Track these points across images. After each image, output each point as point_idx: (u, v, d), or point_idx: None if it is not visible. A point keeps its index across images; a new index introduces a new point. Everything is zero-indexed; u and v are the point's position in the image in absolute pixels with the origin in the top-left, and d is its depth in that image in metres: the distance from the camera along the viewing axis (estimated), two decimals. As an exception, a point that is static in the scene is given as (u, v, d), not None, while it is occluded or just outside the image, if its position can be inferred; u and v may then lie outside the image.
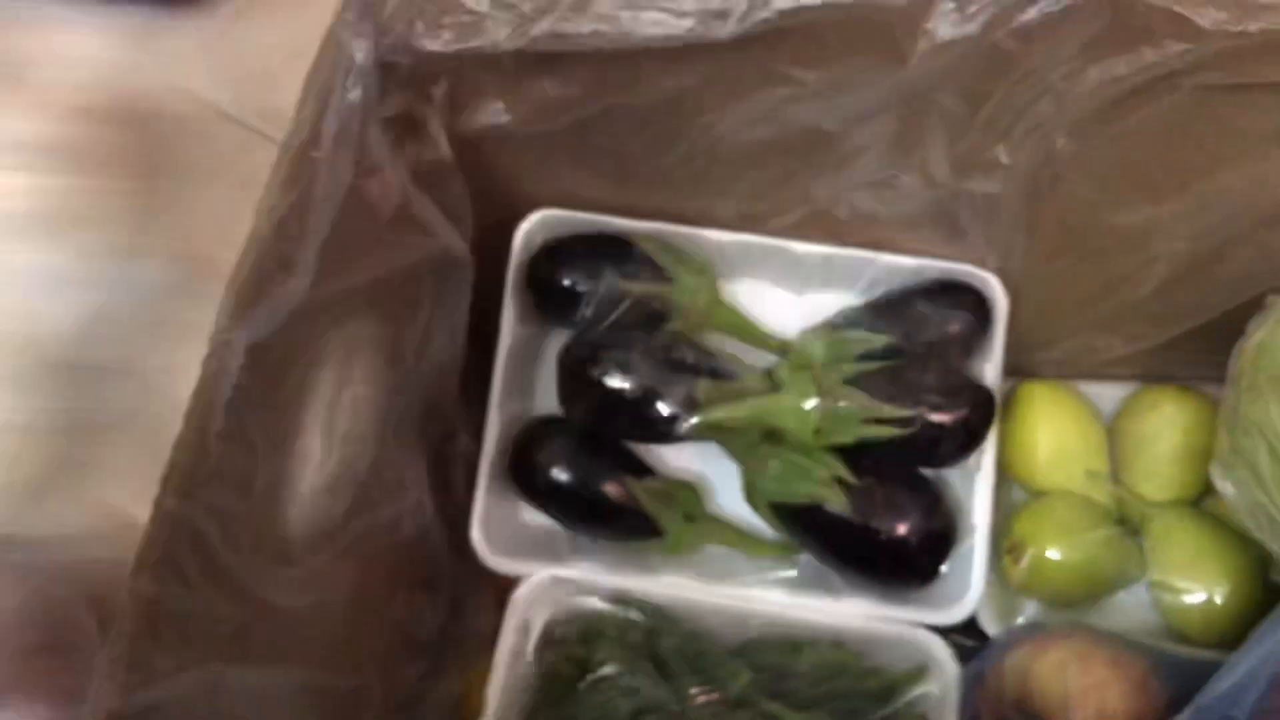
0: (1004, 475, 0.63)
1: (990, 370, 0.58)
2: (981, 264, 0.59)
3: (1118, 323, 0.61)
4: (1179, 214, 0.54)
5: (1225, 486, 0.54)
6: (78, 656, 0.59)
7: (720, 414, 0.53)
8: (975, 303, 0.58)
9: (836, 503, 0.54)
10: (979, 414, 0.55)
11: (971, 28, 0.46)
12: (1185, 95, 0.48)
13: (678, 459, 0.60)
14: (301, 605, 0.44)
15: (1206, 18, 0.45)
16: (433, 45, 0.48)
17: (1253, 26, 0.44)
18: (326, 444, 0.47)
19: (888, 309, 0.58)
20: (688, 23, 0.46)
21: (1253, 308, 0.57)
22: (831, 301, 0.61)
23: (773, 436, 0.55)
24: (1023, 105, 0.49)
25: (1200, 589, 0.57)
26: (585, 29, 0.47)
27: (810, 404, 0.53)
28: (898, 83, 0.48)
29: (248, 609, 0.39)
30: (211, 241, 0.81)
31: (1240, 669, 0.49)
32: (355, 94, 0.46)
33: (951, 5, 0.45)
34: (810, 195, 0.57)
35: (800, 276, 0.60)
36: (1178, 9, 0.44)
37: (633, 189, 0.58)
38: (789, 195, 0.57)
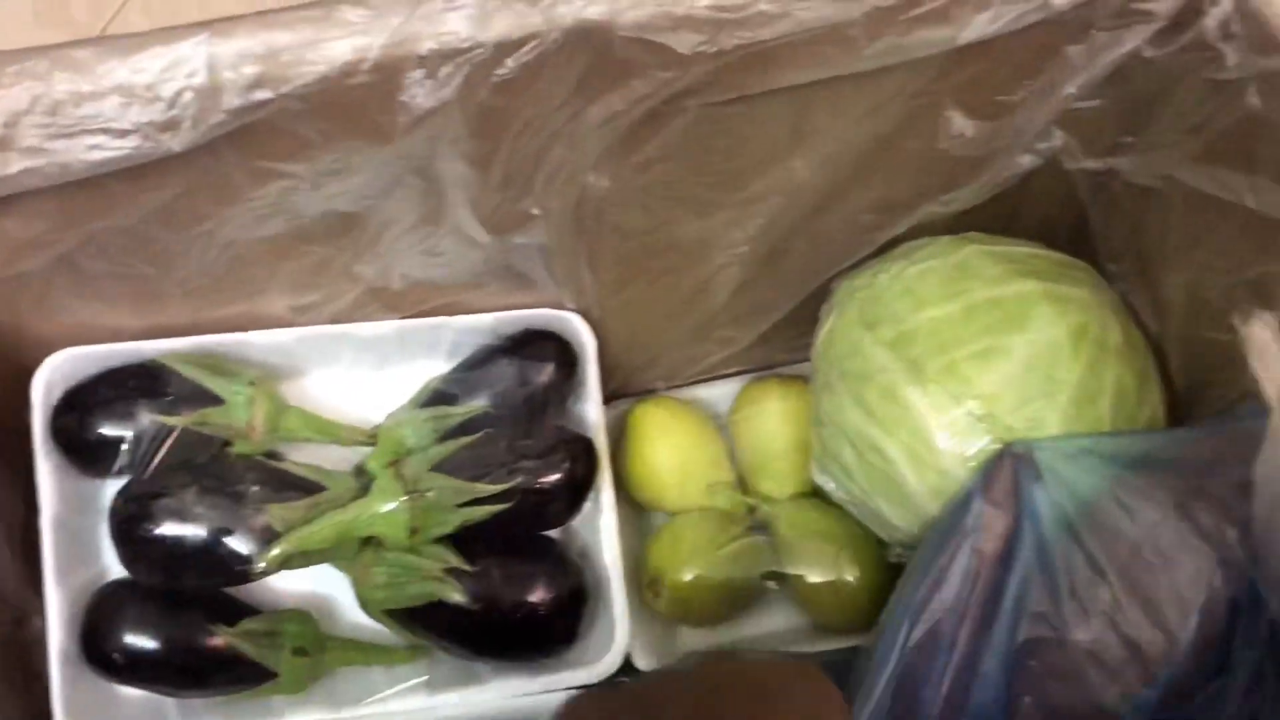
0: (635, 503, 0.63)
1: (591, 410, 0.58)
2: (559, 305, 0.57)
3: (707, 330, 0.62)
4: (730, 221, 0.55)
5: (825, 482, 0.56)
6: None
7: (300, 541, 0.49)
8: (559, 347, 0.57)
9: (454, 595, 0.51)
10: (580, 465, 0.54)
11: (447, 92, 0.43)
12: (693, 115, 0.48)
13: (288, 584, 0.55)
14: None
15: (683, 43, 0.44)
16: None
17: (728, 44, 0.44)
18: None
19: (475, 372, 0.56)
20: (132, 141, 0.41)
21: (825, 290, 0.58)
22: (419, 370, 0.58)
23: (373, 542, 0.51)
24: (534, 155, 0.47)
25: (830, 574, 0.58)
26: (13, 169, 0.41)
27: (397, 504, 0.50)
28: (393, 159, 0.45)
29: None
30: None
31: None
32: None
33: (420, 74, 0.42)
34: (357, 275, 0.53)
35: (376, 355, 0.57)
36: (652, 38, 0.44)
37: (158, 309, 0.52)
38: (335, 279, 0.53)
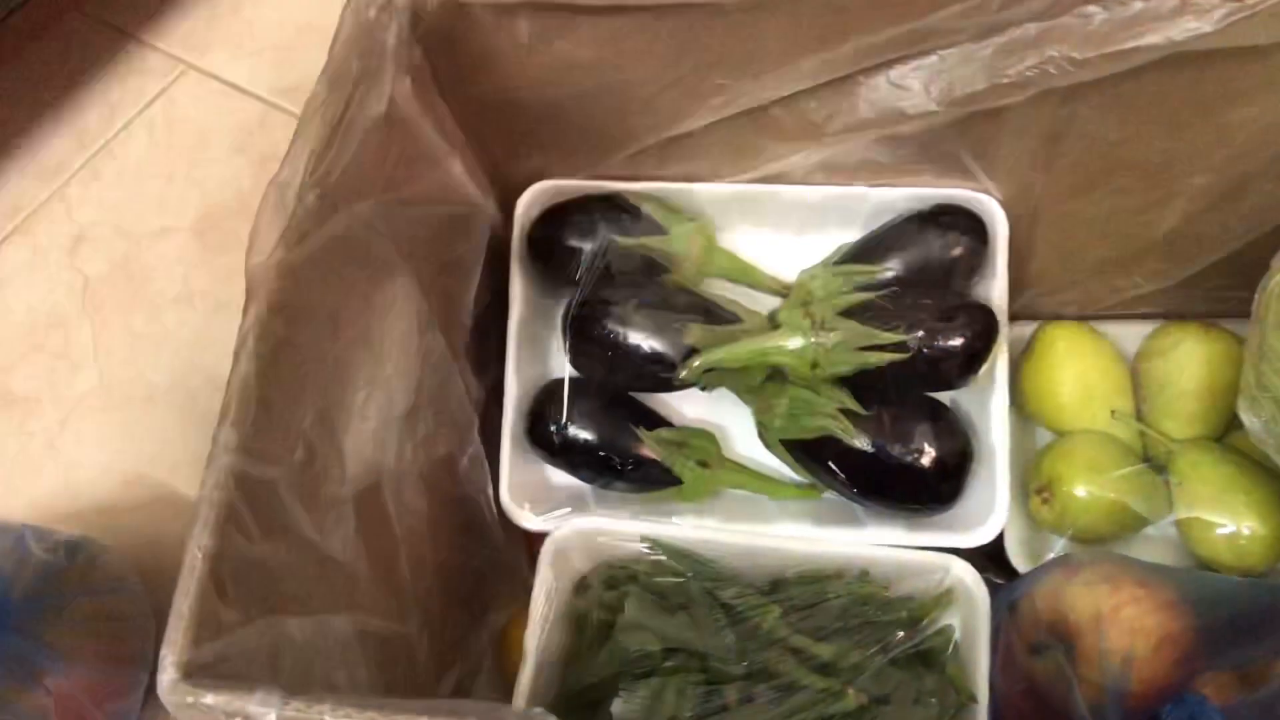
0: (1029, 417, 0.66)
1: (996, 290, 0.61)
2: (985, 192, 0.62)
3: (1139, 260, 0.64)
4: (1200, 147, 0.57)
5: (1251, 421, 0.57)
6: (130, 625, 0.63)
7: (715, 357, 0.57)
8: (973, 224, 0.61)
9: (845, 433, 0.57)
10: (978, 332, 0.58)
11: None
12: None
13: (694, 409, 0.64)
14: (355, 555, 0.47)
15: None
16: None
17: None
18: (383, 381, 0.50)
19: (887, 240, 0.62)
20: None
21: (1273, 240, 0.59)
22: (833, 239, 0.64)
23: (777, 376, 0.58)
24: (1030, 42, 0.51)
25: (1228, 522, 0.60)
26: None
27: (804, 339, 0.56)
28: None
29: (307, 560, 0.42)
30: (230, 215, 0.85)
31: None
32: (387, 32, 0.49)
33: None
34: (815, 147, 0.59)
35: (798, 219, 0.64)
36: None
37: (631, 157, 0.61)
38: (795, 147, 0.60)
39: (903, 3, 0.50)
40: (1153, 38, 0.50)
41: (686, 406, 0.64)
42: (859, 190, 0.62)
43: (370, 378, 0.48)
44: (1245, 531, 0.59)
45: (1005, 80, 0.54)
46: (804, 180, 0.62)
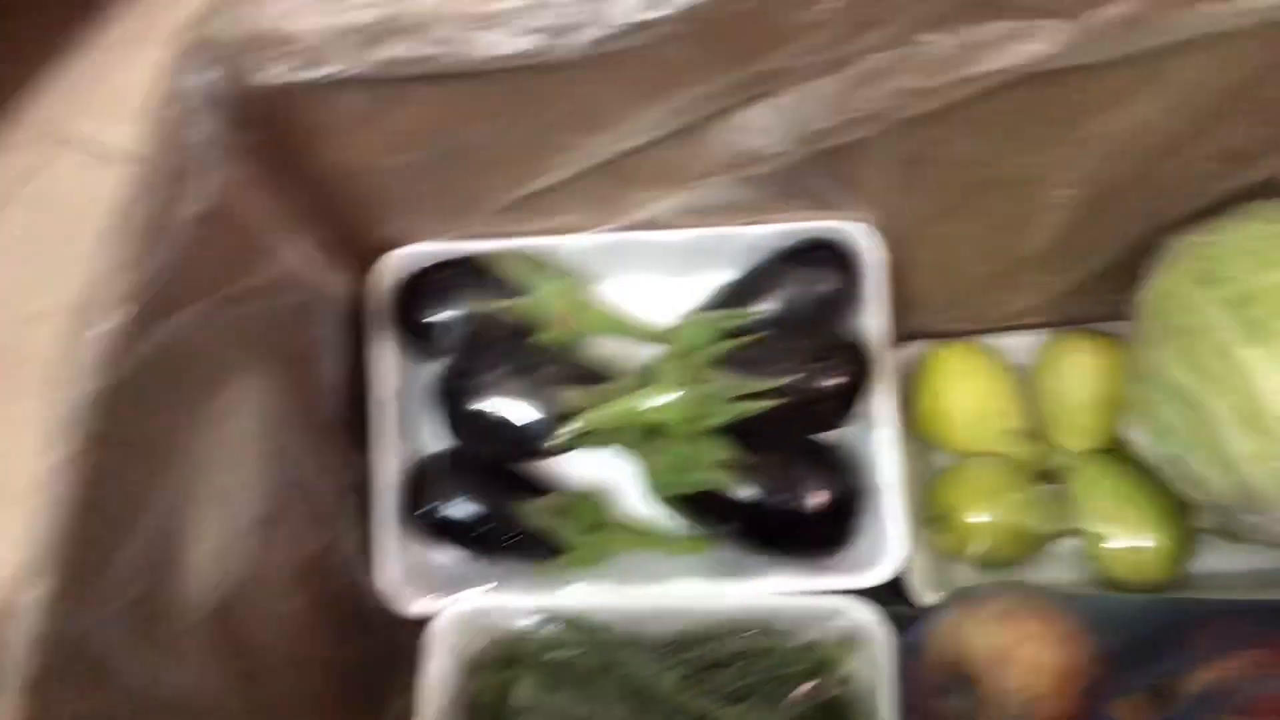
0: (924, 441, 0.65)
1: (876, 319, 0.60)
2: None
3: (1019, 274, 0.64)
4: (1062, 159, 0.57)
5: (1136, 438, 0.57)
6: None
7: (590, 421, 0.56)
8: (844, 257, 0.60)
9: (728, 486, 0.56)
10: (854, 371, 0.58)
11: (820, 11, 0.46)
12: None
13: (582, 469, 0.62)
14: (211, 684, 0.45)
15: None
16: (270, 77, 0.48)
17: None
18: (225, 495, 0.48)
19: (760, 280, 0.61)
20: (531, 41, 0.47)
21: (1147, 246, 0.59)
22: (713, 279, 0.62)
23: (658, 430, 0.57)
24: (877, 75, 0.50)
25: (1128, 535, 0.59)
26: (423, 51, 0.47)
27: (677, 394, 0.56)
28: (751, 79, 0.50)
29: (147, 710, 0.40)
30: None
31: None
32: (197, 127, 0.47)
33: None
34: (669, 193, 0.58)
35: (673, 263, 0.62)
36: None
37: (493, 216, 0.59)
38: (653, 195, 0.59)
39: (734, 50, 0.49)
40: (997, 62, 0.49)
41: (574, 467, 0.62)
42: (731, 230, 0.61)
43: (209, 495, 0.46)
44: (1143, 545, 0.59)
45: (856, 114, 0.52)
46: (674, 224, 0.61)
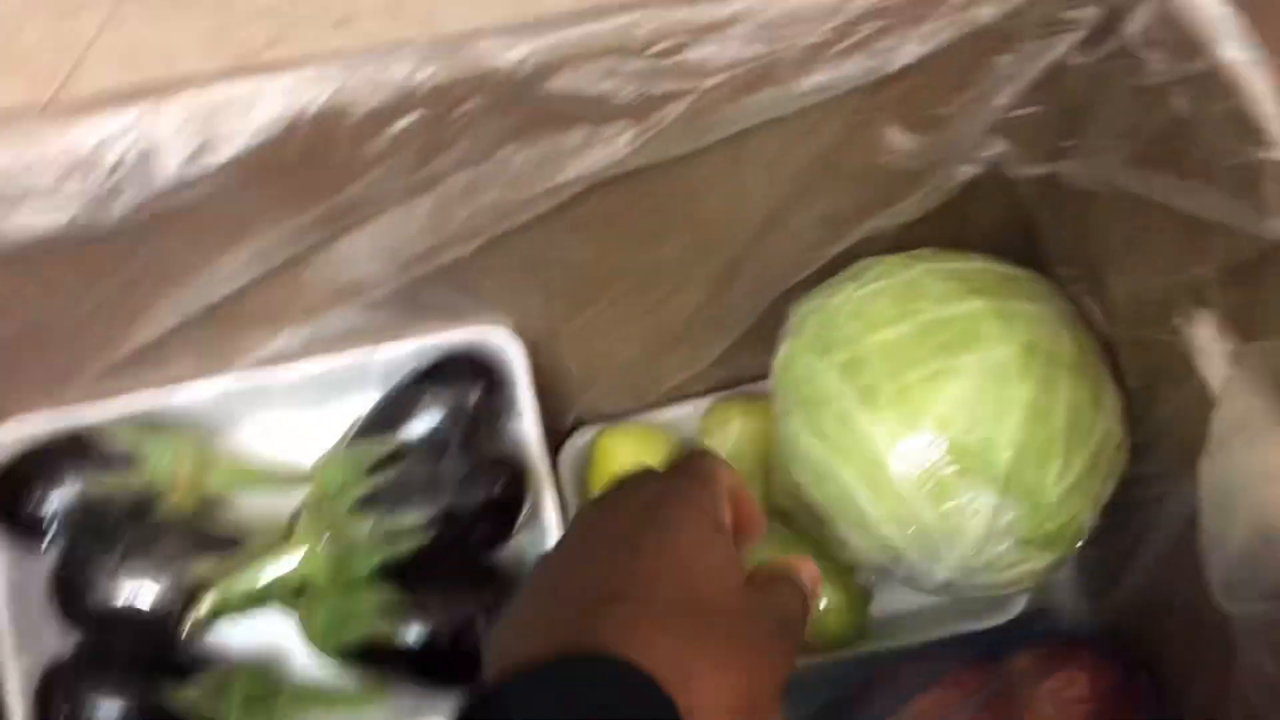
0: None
1: (528, 424, 0.59)
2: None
3: (669, 351, 0.65)
4: (677, 245, 0.57)
5: (785, 502, 0.58)
6: None
7: (225, 594, 0.53)
8: (483, 368, 0.59)
9: (392, 632, 0.54)
10: (502, 488, 0.56)
11: (380, 144, 0.45)
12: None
13: (245, 635, 0.58)
14: None
15: (615, 94, 0.46)
16: None
17: (659, 90, 0.47)
18: None
19: (400, 404, 0.58)
20: (68, 212, 0.43)
21: (782, 308, 0.61)
22: (355, 404, 0.60)
23: (307, 586, 0.54)
24: (465, 194, 0.50)
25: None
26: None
27: (316, 548, 0.53)
28: (322, 217, 0.48)
29: None
30: None
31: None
32: None
33: (356, 129, 0.45)
34: (281, 330, 0.56)
35: (310, 396, 0.59)
36: (583, 90, 0.46)
37: (99, 378, 0.55)
38: (259, 336, 0.56)
39: (307, 187, 0.47)
40: (579, 168, 0.49)
41: (235, 634, 0.58)
42: (364, 354, 0.58)
43: None
44: (820, 605, 0.60)
45: (456, 232, 0.52)
46: (304, 356, 0.58)
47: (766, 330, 0.62)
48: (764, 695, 0.34)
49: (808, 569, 0.40)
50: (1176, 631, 0.58)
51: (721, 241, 0.58)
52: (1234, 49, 0.44)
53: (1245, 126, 0.44)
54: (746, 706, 0.33)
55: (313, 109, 0.45)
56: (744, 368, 0.67)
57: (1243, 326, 0.46)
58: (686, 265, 0.59)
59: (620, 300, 0.60)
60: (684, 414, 0.68)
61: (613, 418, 0.68)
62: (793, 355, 0.57)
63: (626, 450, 0.65)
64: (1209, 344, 0.49)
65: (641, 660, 0.31)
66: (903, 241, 0.58)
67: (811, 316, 0.57)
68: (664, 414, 0.68)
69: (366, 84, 0.45)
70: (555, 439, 0.67)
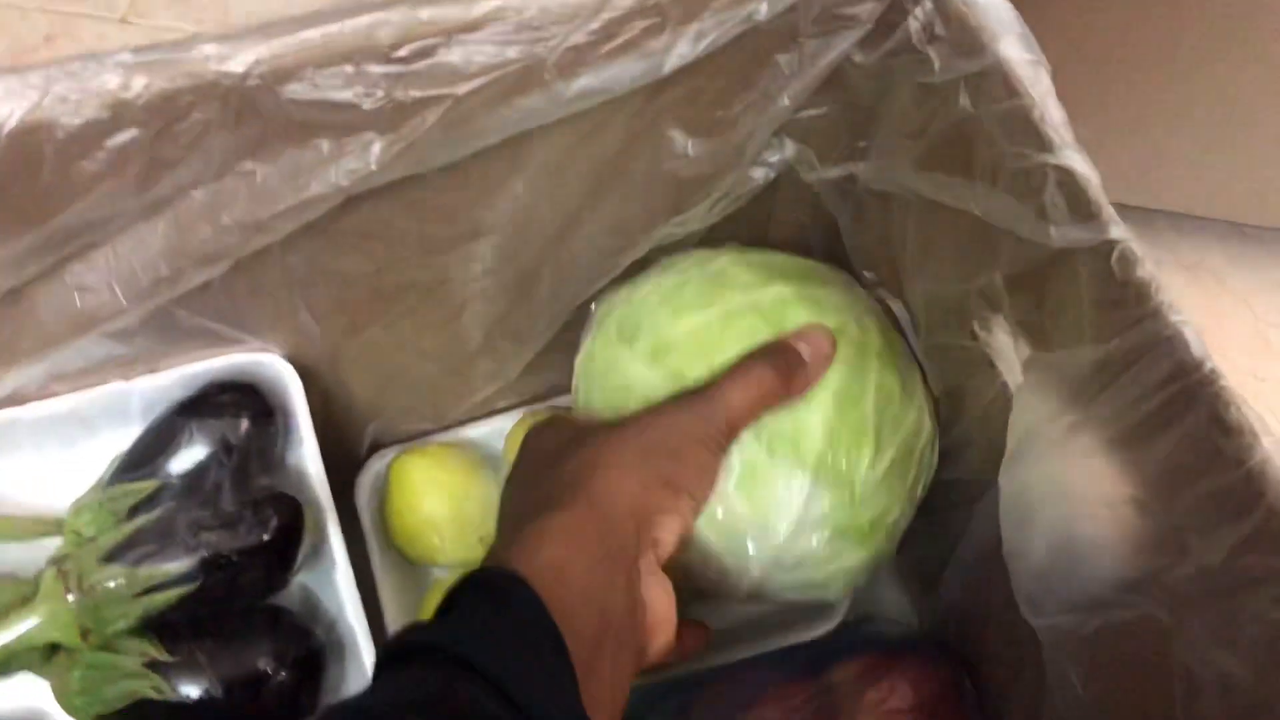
0: (409, 559, 0.61)
1: (308, 454, 0.55)
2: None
3: (468, 366, 0.61)
4: (463, 256, 0.54)
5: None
6: None
7: None
8: (251, 397, 0.54)
9: (159, 691, 0.49)
10: (283, 519, 0.52)
11: (101, 158, 0.41)
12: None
13: (8, 700, 0.52)
14: None
15: (361, 99, 0.42)
16: None
17: (408, 96, 0.43)
18: None
19: (161, 439, 0.53)
20: None
21: (584, 313, 0.58)
22: (113, 441, 0.54)
23: (59, 647, 0.49)
24: (210, 210, 0.45)
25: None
26: None
27: (60, 608, 0.48)
28: (43, 238, 0.43)
29: None
30: None
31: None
32: None
33: (67, 141, 0.40)
34: (24, 364, 0.51)
35: (60, 436, 0.54)
36: (322, 97, 0.42)
37: None
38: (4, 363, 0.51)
39: (18, 211, 0.42)
40: (323, 185, 0.45)
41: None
42: (119, 387, 0.53)
43: None
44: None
45: (194, 255, 0.47)
46: (47, 393, 0.53)
47: (575, 338, 0.59)
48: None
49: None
50: (995, 638, 0.57)
51: (515, 250, 0.54)
52: (1013, 46, 0.42)
53: (1027, 129, 0.42)
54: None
55: (10, 123, 0.40)
56: (555, 378, 0.64)
57: (1033, 334, 0.45)
58: (479, 276, 0.55)
59: (408, 315, 0.56)
60: (494, 429, 0.65)
61: (416, 437, 0.64)
62: (596, 348, 0.54)
63: (420, 472, 0.60)
64: (1006, 351, 0.47)
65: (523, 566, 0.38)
66: (709, 244, 0.55)
67: (616, 309, 0.54)
68: (472, 430, 0.65)
69: (71, 96, 0.40)
70: (353, 464, 0.63)
